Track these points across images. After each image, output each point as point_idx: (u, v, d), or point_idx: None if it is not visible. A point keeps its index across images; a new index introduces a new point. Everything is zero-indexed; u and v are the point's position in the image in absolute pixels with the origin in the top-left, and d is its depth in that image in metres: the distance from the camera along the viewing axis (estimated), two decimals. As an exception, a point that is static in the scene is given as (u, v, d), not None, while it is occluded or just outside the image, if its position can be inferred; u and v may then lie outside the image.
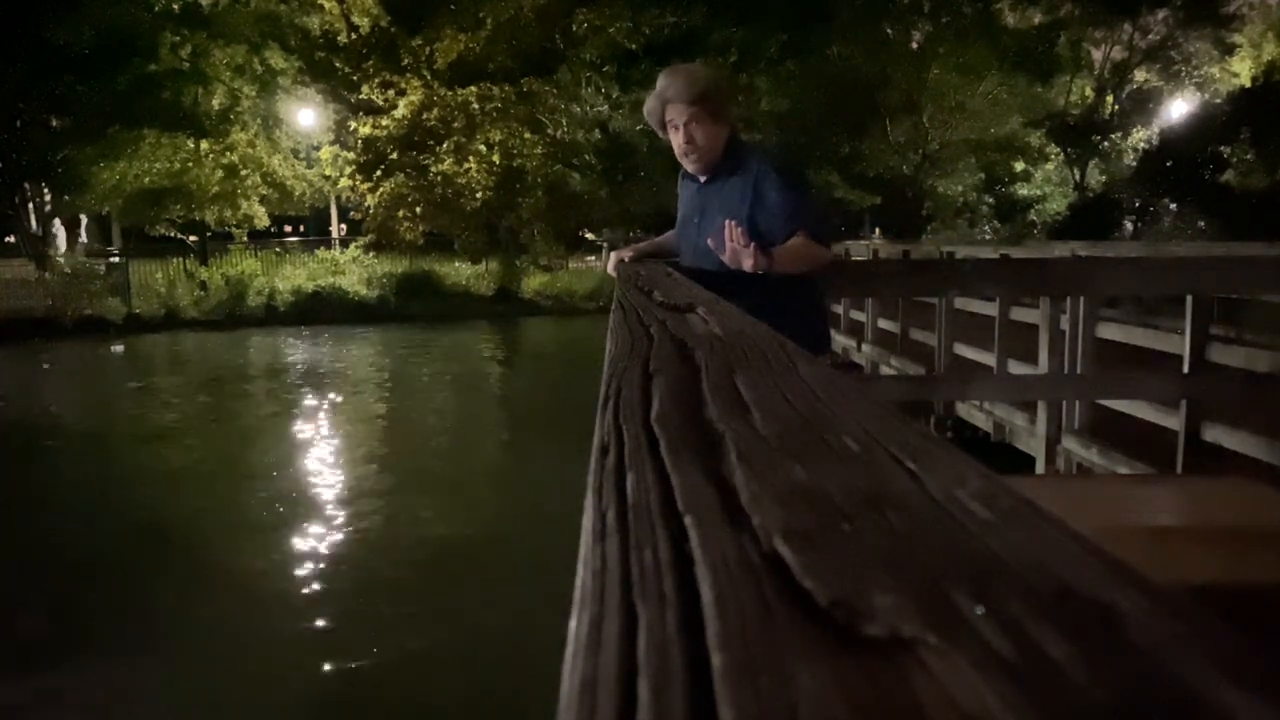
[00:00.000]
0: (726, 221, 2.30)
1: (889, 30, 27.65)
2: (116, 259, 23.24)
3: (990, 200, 29.97)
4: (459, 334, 19.85)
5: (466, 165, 24.83)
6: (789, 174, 2.49)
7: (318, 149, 26.95)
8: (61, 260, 21.77)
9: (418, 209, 25.27)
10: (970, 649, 0.26)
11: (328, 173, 26.61)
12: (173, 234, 25.65)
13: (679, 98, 2.48)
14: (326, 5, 25.04)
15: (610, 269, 2.70)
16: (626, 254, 2.84)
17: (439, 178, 24.96)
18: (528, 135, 24.83)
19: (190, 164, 23.00)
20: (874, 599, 0.29)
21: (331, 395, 13.12)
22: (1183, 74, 29.39)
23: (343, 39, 25.66)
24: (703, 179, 2.62)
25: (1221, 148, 22.89)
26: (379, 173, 25.36)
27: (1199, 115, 25.20)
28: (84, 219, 25.19)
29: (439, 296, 23.61)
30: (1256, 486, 2.75)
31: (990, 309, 6.96)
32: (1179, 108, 28.02)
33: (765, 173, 2.46)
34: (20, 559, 6.25)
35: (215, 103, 22.83)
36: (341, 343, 18.57)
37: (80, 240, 25.97)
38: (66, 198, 22.08)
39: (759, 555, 0.34)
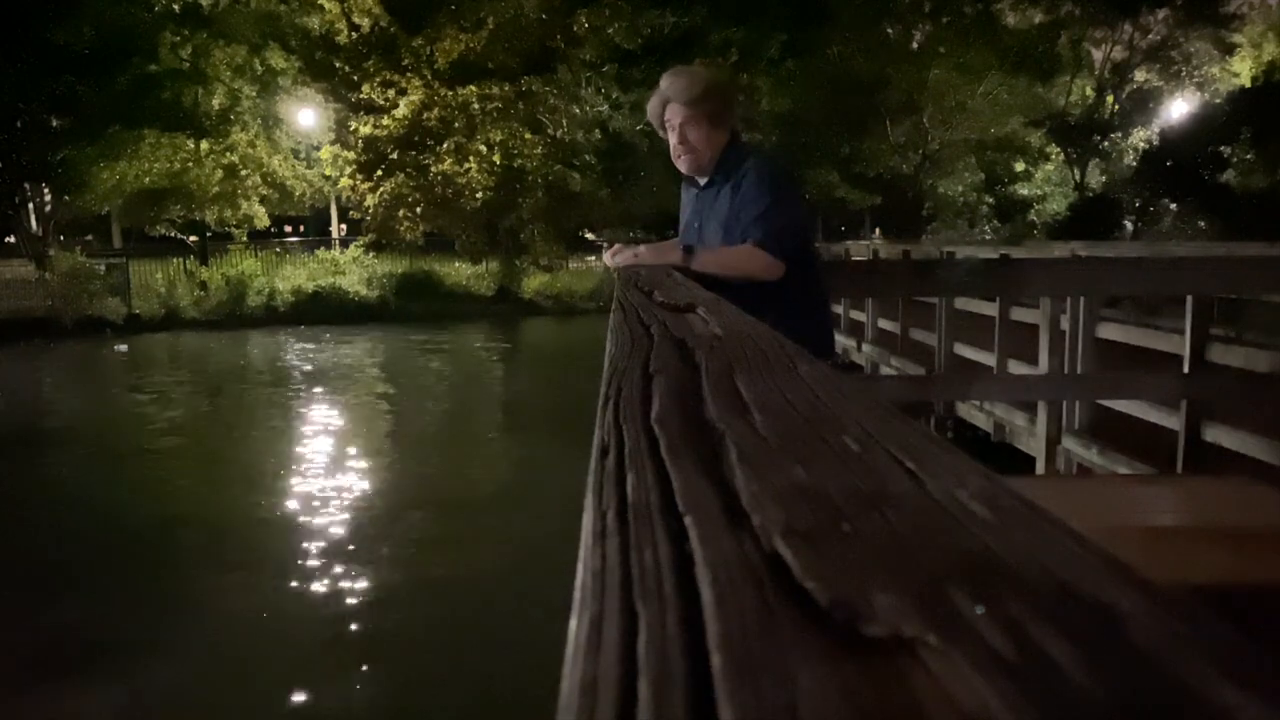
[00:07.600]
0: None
1: (889, 30, 27.68)
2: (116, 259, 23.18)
3: (990, 200, 29.97)
4: (459, 334, 19.83)
5: (466, 165, 24.80)
6: (765, 177, 2.47)
7: (318, 149, 26.90)
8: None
9: (418, 209, 25.24)
10: (970, 649, 0.26)
11: (328, 173, 26.57)
12: (173, 234, 25.63)
13: (678, 98, 2.50)
14: (326, 5, 24.99)
15: (607, 258, 2.68)
16: (630, 253, 2.70)
17: (439, 178, 24.94)
18: (528, 135, 24.81)
19: (190, 164, 22.95)
20: (874, 599, 0.29)
21: (332, 395, 13.12)
22: (1183, 74, 29.39)
23: (343, 39, 25.60)
24: (703, 183, 2.62)
25: (1221, 148, 22.89)
26: (379, 172, 25.32)
27: (1199, 115, 25.20)
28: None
29: (439, 296, 23.60)
30: (1256, 486, 2.75)
31: (990, 309, 6.95)
32: (1179, 108, 28.01)
33: (746, 174, 2.47)
34: (21, 560, 6.26)
35: (215, 103, 22.79)
36: (342, 343, 18.55)
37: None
38: (66, 198, 22.03)
39: (759, 555, 0.33)
